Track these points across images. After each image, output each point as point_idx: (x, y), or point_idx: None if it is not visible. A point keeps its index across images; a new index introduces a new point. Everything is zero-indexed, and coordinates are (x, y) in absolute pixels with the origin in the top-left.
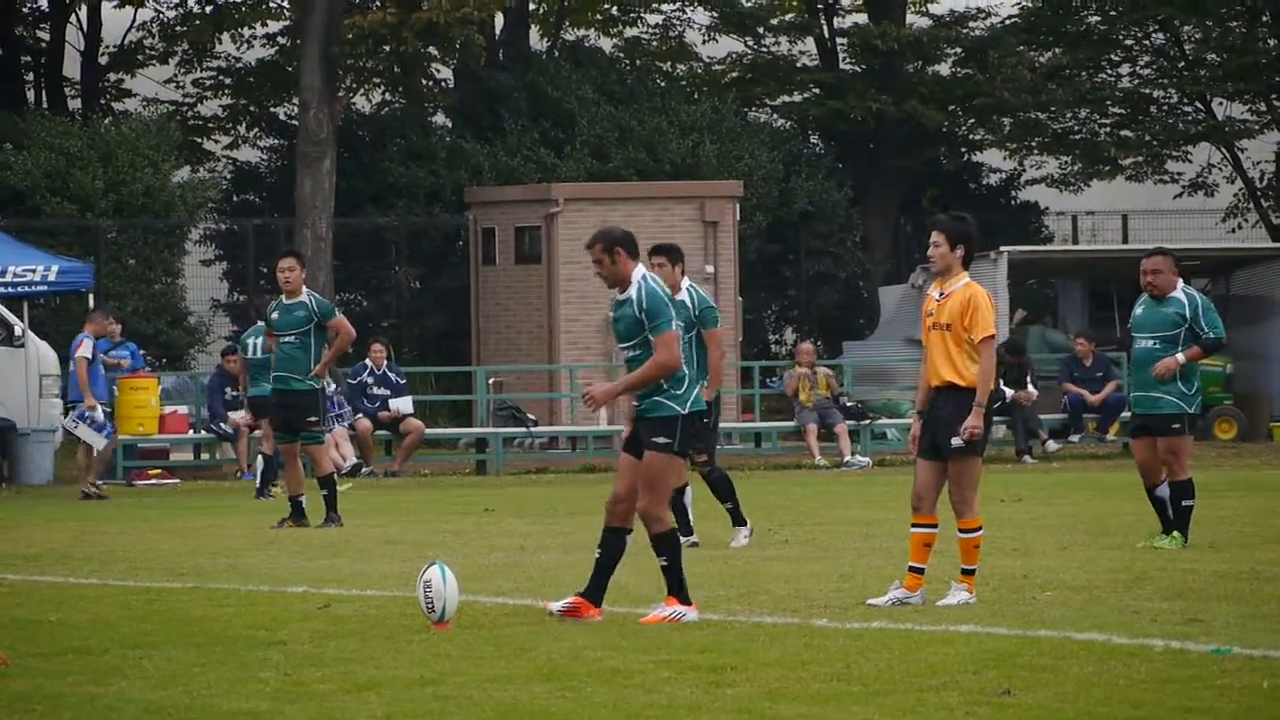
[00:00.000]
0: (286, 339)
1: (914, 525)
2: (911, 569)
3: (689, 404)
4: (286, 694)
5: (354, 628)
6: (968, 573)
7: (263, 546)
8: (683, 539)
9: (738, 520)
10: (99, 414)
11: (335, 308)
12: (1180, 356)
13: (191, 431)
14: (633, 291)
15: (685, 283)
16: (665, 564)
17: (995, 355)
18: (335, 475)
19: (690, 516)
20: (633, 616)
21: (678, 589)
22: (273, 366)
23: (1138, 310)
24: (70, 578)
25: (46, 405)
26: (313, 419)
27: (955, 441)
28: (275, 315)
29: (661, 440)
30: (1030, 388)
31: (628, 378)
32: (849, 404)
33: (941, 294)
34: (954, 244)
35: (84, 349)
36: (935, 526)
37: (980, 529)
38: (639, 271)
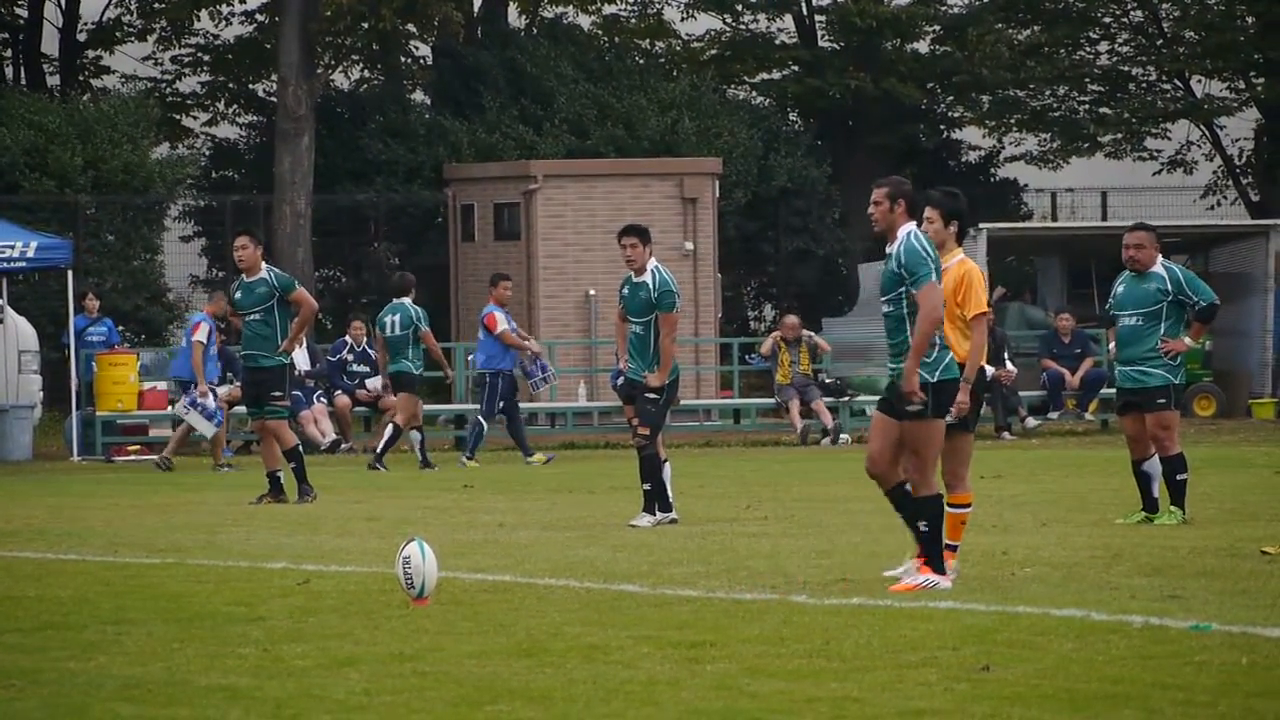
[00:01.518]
0: (251, 317)
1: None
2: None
3: (939, 371)
4: (265, 670)
5: (333, 604)
6: (950, 548)
7: (241, 522)
8: (662, 515)
9: (648, 505)
10: (210, 401)
11: (295, 280)
12: (1188, 340)
13: (170, 408)
14: (896, 245)
15: (651, 264)
16: (925, 529)
17: (984, 332)
18: (300, 448)
19: (670, 493)
20: (609, 593)
21: (934, 557)
22: (241, 345)
23: (1119, 288)
24: (49, 553)
25: (25, 381)
26: (277, 394)
27: (948, 418)
28: (239, 295)
29: (915, 409)
30: (1009, 365)
31: (913, 347)
32: (828, 380)
33: None
34: (948, 220)
35: (200, 332)
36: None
37: (970, 505)
38: (908, 228)
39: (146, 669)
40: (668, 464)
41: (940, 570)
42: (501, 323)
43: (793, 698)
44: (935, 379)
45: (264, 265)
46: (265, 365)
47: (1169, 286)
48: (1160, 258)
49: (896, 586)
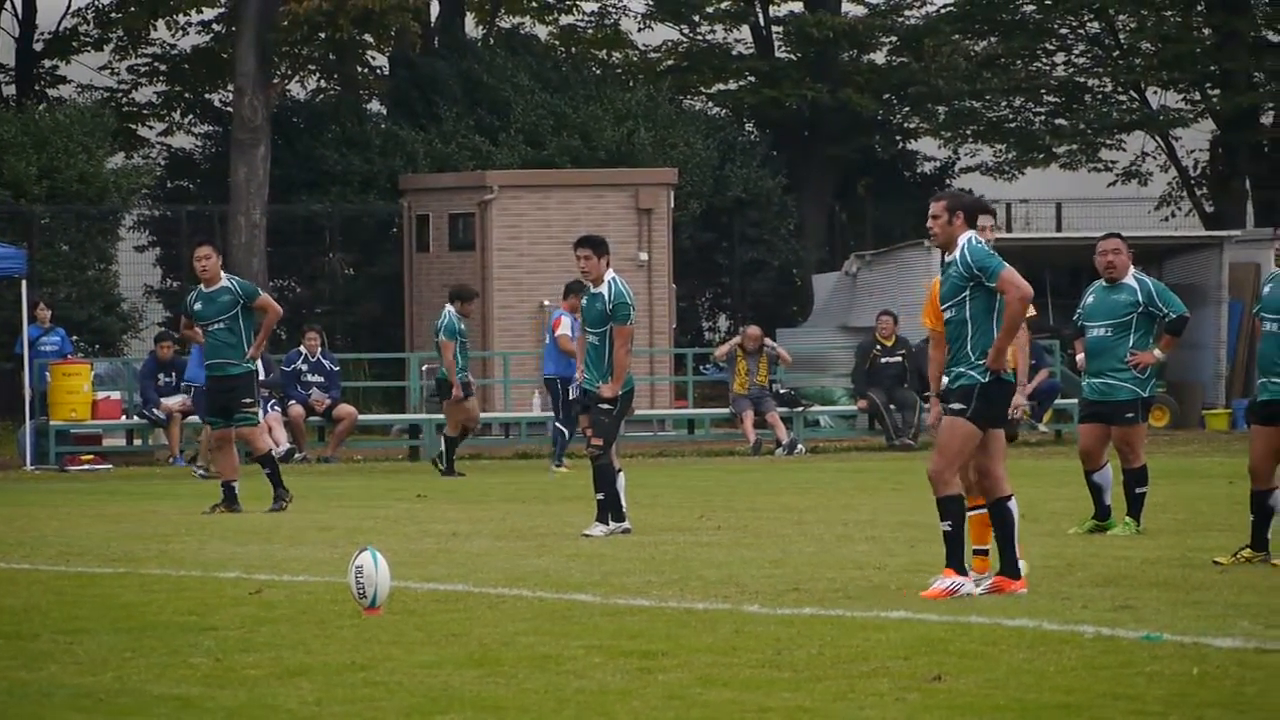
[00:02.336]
0: (215, 326)
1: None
2: (975, 552)
3: (988, 373)
4: (217, 679)
5: (285, 613)
6: (979, 553)
7: (194, 532)
8: (615, 525)
9: (601, 515)
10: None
11: (257, 287)
12: (1158, 352)
13: (124, 417)
14: (956, 255)
15: (609, 275)
16: (947, 529)
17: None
18: (273, 452)
19: (624, 503)
20: (562, 603)
21: (956, 559)
22: (204, 355)
23: (1089, 298)
24: (1, 563)
25: None
26: (247, 400)
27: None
28: (199, 305)
29: (956, 406)
30: None
31: (1004, 328)
32: (782, 391)
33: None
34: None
35: (563, 326)
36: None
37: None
38: (967, 236)
39: (98, 678)
40: (622, 474)
41: (963, 571)
42: (564, 328)
43: (745, 707)
44: (985, 380)
45: (223, 275)
46: (233, 373)
47: (1140, 298)
48: (1133, 268)
49: (926, 593)
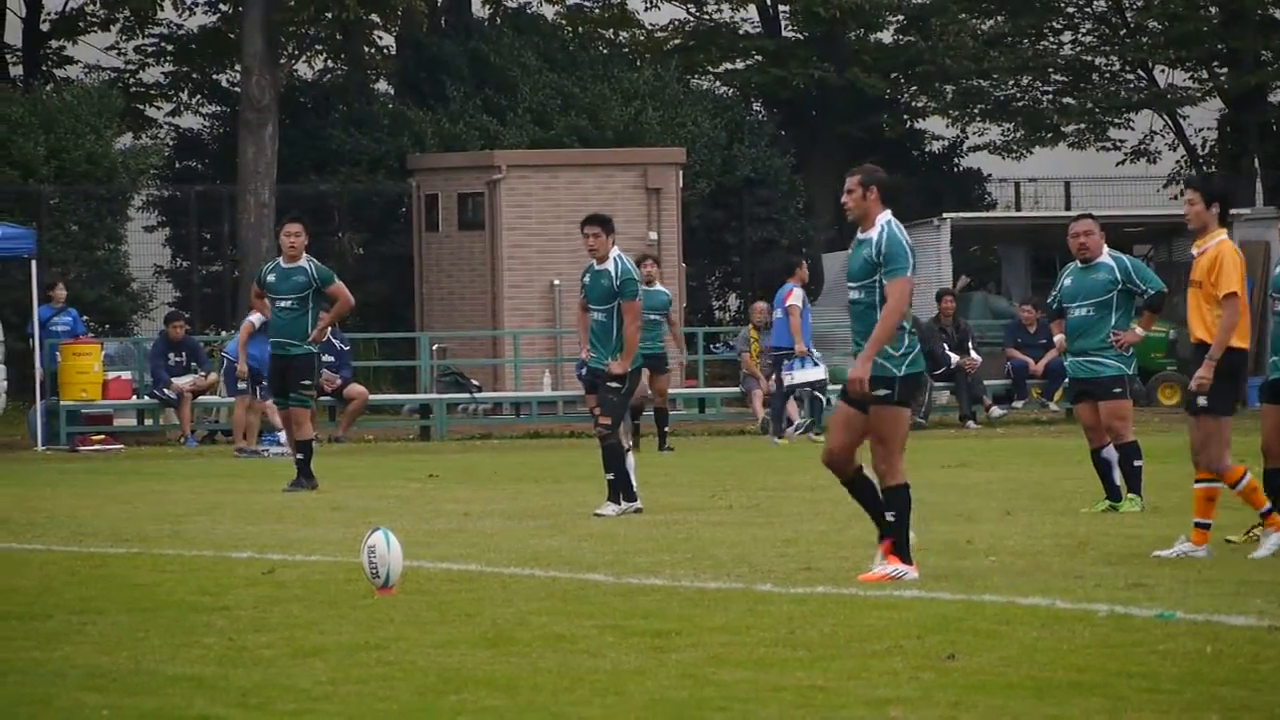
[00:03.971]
0: (283, 303)
1: (1195, 481)
2: (1196, 524)
3: (905, 365)
4: (230, 659)
5: (298, 593)
6: (1201, 526)
7: (206, 512)
8: (627, 505)
9: (612, 495)
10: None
11: (334, 274)
12: (1138, 329)
13: (135, 397)
14: (874, 233)
15: (614, 253)
16: (893, 518)
17: (1236, 312)
18: (314, 441)
19: (635, 482)
20: (575, 582)
21: (901, 546)
22: (269, 331)
23: (1065, 280)
24: (14, 544)
25: None
26: (306, 382)
27: (1200, 401)
28: (271, 278)
29: (880, 393)
30: (973, 354)
31: (873, 338)
32: None
33: (1198, 251)
34: (1209, 201)
35: (794, 297)
36: (1215, 481)
37: (1217, 482)
38: (885, 215)
39: (111, 658)
40: (631, 454)
41: (908, 560)
42: (795, 299)
43: (758, 686)
44: (903, 372)
45: (305, 256)
46: (294, 353)
47: (1118, 275)
48: (1106, 248)
49: (865, 575)
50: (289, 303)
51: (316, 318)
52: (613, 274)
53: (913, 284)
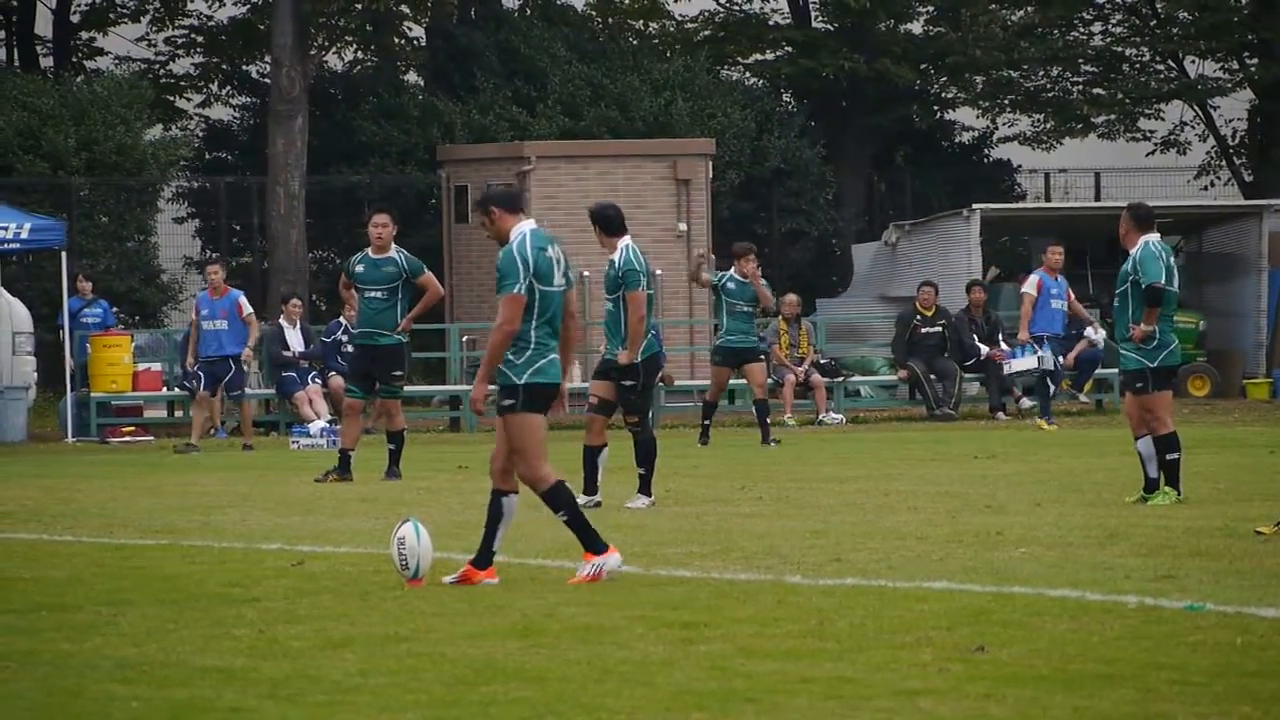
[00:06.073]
0: (372, 293)
1: None
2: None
3: (526, 374)
4: (261, 651)
5: (328, 585)
6: None
7: (236, 503)
8: (585, 498)
9: (644, 489)
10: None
11: (423, 265)
12: (1144, 325)
13: (165, 389)
14: (616, 255)
15: (624, 242)
16: (565, 519)
17: None
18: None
19: (599, 476)
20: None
21: (589, 542)
22: (358, 321)
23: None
24: (44, 535)
25: (20, 363)
26: (398, 373)
27: None
28: (360, 268)
29: (505, 403)
30: (1003, 345)
31: (486, 356)
32: (823, 361)
33: None
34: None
35: (1028, 284)
36: None
37: None
38: (521, 227)
39: (142, 650)
40: (605, 449)
41: (600, 549)
42: (1029, 285)
43: (787, 678)
44: (523, 380)
45: (394, 246)
46: (383, 343)
47: (1130, 267)
48: (1146, 238)
49: (572, 580)
50: (379, 293)
51: (406, 308)
52: (616, 263)
53: (523, 299)
